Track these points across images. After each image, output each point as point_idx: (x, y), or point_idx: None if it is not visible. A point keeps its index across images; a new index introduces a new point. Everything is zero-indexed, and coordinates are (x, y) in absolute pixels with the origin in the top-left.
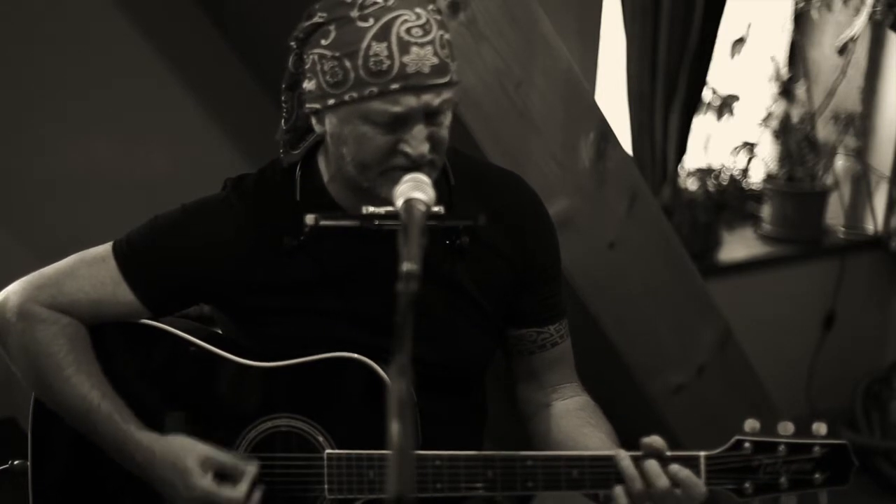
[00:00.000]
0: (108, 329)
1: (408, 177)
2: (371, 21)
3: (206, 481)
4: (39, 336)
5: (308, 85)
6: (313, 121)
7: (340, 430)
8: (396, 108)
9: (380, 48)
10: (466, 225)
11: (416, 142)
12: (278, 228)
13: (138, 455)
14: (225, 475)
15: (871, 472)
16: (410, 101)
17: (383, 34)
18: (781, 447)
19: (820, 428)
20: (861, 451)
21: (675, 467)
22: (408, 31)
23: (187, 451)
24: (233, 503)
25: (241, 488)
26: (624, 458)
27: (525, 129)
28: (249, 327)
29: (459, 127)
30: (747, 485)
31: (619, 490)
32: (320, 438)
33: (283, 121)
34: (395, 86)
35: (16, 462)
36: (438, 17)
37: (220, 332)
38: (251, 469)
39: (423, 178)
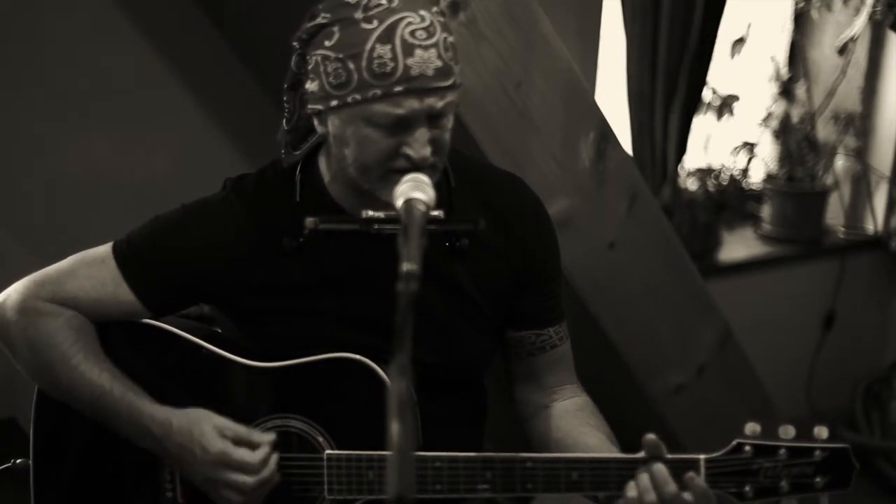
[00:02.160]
0: (108, 329)
1: (408, 176)
2: (375, 23)
3: (222, 442)
4: (44, 329)
5: (311, 86)
6: (315, 122)
7: (340, 430)
8: (399, 111)
9: (383, 50)
10: (466, 228)
11: (419, 145)
12: (278, 229)
13: (155, 427)
14: (241, 444)
15: (872, 472)
16: (413, 103)
17: (387, 36)
18: (782, 451)
19: (821, 431)
20: (861, 451)
21: (691, 474)
22: (412, 33)
23: (204, 420)
24: (247, 465)
25: (258, 454)
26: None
27: (525, 129)
28: (249, 328)
29: (459, 127)
30: (747, 488)
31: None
32: (320, 439)
33: (284, 121)
34: (398, 88)
35: (17, 461)
36: (442, 20)
37: (219, 331)
38: (268, 438)
39: (423, 178)
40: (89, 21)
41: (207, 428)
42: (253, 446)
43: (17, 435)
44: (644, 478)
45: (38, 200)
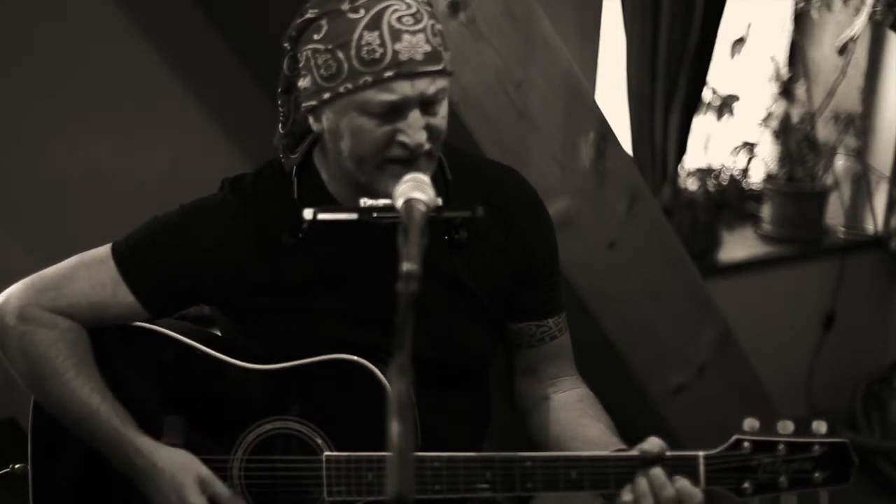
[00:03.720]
0: (107, 332)
1: (408, 177)
2: (362, 12)
3: (200, 500)
4: (39, 340)
5: (303, 82)
6: (311, 119)
7: (339, 432)
8: (391, 97)
9: (371, 37)
10: (464, 216)
11: (413, 130)
12: (277, 227)
13: (138, 460)
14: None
15: (871, 471)
16: (405, 88)
17: (374, 23)
18: (781, 446)
19: (820, 426)
20: (861, 451)
21: (674, 478)
22: (399, 19)
23: (188, 468)
24: None
25: None
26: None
27: (525, 129)
28: (249, 327)
29: (459, 127)
30: (747, 484)
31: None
32: (319, 441)
33: (280, 125)
34: (388, 73)
35: (16, 466)
36: (429, 8)
37: (219, 333)
38: None
39: (422, 177)
40: (89, 21)
41: (189, 479)
42: None
43: (17, 435)
44: (642, 482)
45: (38, 200)
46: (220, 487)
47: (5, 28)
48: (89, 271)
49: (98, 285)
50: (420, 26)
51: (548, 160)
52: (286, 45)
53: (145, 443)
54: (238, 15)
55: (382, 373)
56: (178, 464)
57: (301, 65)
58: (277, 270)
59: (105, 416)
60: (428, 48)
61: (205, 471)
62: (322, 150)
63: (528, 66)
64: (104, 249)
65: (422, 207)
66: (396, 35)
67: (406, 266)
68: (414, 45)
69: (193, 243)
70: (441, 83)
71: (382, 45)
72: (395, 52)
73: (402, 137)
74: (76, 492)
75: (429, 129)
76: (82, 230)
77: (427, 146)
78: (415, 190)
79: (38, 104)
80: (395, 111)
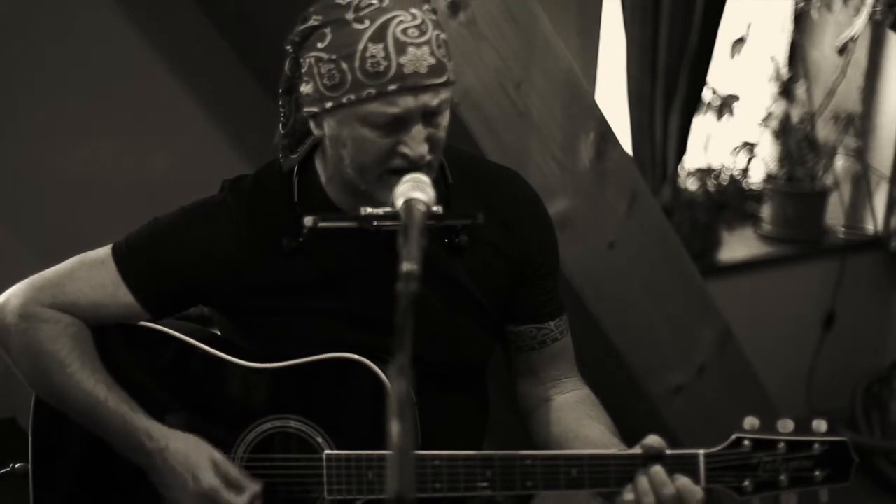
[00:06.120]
0: (107, 331)
1: (408, 177)
2: (367, 23)
3: (215, 479)
4: (42, 335)
5: (305, 88)
6: (311, 124)
7: (340, 430)
8: (394, 110)
9: (376, 49)
10: (465, 223)
11: (415, 143)
12: (276, 230)
13: (148, 444)
14: (230, 485)
15: (871, 471)
16: (408, 101)
17: (379, 35)
18: (781, 444)
19: (820, 425)
20: (861, 451)
21: (675, 476)
22: (404, 31)
23: (201, 450)
24: None
25: (244, 498)
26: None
27: (525, 129)
28: (249, 328)
29: (459, 127)
30: (747, 483)
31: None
32: (319, 439)
33: (280, 125)
34: (392, 87)
35: (16, 465)
36: (434, 18)
37: (218, 333)
38: (255, 487)
39: (423, 178)
40: (89, 21)
41: (203, 460)
42: (241, 489)
43: (17, 435)
44: (643, 481)
45: (38, 200)
46: (234, 471)
47: (5, 27)
48: (90, 272)
49: (98, 286)
50: (425, 38)
51: (548, 160)
52: (288, 48)
53: (156, 428)
54: (238, 15)
55: (382, 372)
56: (190, 445)
57: (304, 70)
58: (277, 272)
59: (113, 405)
60: (432, 61)
61: (217, 454)
62: (322, 154)
63: (528, 66)
64: (104, 250)
65: (422, 207)
66: (401, 48)
67: (406, 266)
68: (419, 58)
69: (193, 245)
70: (444, 95)
71: (387, 57)
72: (400, 66)
73: (403, 149)
74: (76, 491)
75: (430, 139)
76: (82, 231)
77: (428, 157)
78: (415, 190)
79: (38, 105)
80: (398, 124)
